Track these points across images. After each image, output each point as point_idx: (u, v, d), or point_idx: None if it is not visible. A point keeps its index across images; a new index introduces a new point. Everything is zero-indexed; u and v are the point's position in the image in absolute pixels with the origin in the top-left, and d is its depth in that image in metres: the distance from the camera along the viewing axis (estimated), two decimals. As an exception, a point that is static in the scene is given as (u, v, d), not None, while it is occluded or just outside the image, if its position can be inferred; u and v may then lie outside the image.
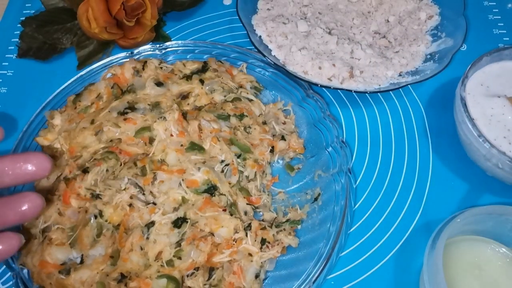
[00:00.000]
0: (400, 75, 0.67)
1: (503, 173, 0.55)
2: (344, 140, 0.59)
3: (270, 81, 0.67)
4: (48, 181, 0.55)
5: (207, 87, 0.63)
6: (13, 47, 0.76)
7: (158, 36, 0.75)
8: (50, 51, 0.73)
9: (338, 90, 0.68)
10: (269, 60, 0.66)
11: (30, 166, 0.38)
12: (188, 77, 0.64)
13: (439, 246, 0.44)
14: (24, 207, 0.39)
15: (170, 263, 0.49)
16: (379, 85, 0.65)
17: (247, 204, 0.54)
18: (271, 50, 0.69)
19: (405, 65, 0.68)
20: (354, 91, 0.63)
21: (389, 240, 0.56)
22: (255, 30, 0.72)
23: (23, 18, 0.72)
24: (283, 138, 0.60)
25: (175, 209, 0.52)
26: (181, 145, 0.55)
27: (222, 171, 0.55)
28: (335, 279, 0.53)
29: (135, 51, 0.68)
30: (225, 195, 0.53)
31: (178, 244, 0.50)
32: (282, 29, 0.71)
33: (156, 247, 0.49)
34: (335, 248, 0.50)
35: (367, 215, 0.58)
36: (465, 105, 0.56)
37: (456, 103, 0.59)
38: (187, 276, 0.48)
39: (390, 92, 0.70)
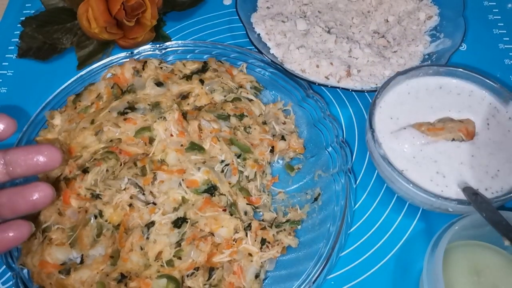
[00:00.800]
0: (397, 74, 0.67)
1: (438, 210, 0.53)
2: (344, 140, 0.59)
3: (270, 81, 0.67)
4: (48, 181, 0.55)
5: (207, 87, 0.63)
6: (13, 47, 0.76)
7: (158, 36, 0.75)
8: (50, 51, 0.73)
9: (338, 90, 0.68)
10: (266, 57, 0.66)
11: (42, 157, 0.39)
12: (188, 77, 0.64)
13: (438, 255, 0.44)
14: (35, 197, 0.39)
15: (170, 263, 0.49)
16: (376, 84, 0.65)
17: (247, 204, 0.54)
18: (269, 48, 0.70)
19: (403, 65, 0.68)
20: (352, 90, 0.63)
21: (389, 240, 0.56)
22: (254, 28, 0.72)
23: (23, 18, 0.72)
24: (283, 138, 0.60)
25: (175, 209, 0.52)
26: (181, 145, 0.55)
27: (222, 171, 0.55)
28: (335, 279, 0.53)
29: (135, 51, 0.68)
30: (225, 195, 0.53)
31: (178, 244, 0.50)
32: (281, 28, 0.71)
33: (156, 247, 0.49)
34: (335, 248, 0.50)
35: (367, 215, 0.58)
36: (389, 163, 0.52)
37: (376, 161, 0.55)
38: (187, 276, 0.48)
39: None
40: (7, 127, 0.39)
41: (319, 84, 0.64)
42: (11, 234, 0.39)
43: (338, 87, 0.64)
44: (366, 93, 0.69)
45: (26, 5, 0.84)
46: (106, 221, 0.51)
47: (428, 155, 0.54)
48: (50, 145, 0.40)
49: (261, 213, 0.56)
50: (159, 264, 0.49)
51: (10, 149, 0.40)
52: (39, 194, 0.39)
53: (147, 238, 0.49)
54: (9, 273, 0.53)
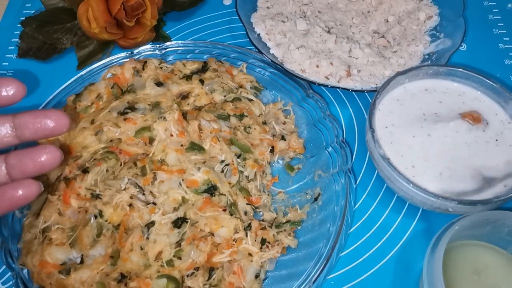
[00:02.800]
0: (397, 75, 0.67)
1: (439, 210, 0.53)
2: (344, 140, 0.59)
3: (270, 81, 0.67)
4: (48, 181, 0.55)
5: (207, 87, 0.63)
6: (13, 47, 0.76)
7: (158, 36, 0.75)
8: (50, 51, 0.73)
9: (338, 90, 0.68)
10: (266, 57, 0.66)
11: (50, 122, 0.40)
12: (188, 77, 0.64)
13: (438, 255, 0.44)
14: (43, 158, 0.40)
15: (170, 263, 0.49)
16: (376, 84, 0.65)
17: (247, 204, 0.54)
18: (269, 48, 0.70)
19: (403, 65, 0.68)
20: (352, 90, 0.63)
21: (389, 240, 0.56)
22: (254, 28, 0.72)
23: (23, 18, 0.72)
24: (283, 138, 0.60)
25: (175, 209, 0.52)
26: (181, 145, 0.55)
27: (222, 171, 0.55)
28: (335, 279, 0.53)
29: (135, 51, 0.68)
30: (225, 195, 0.53)
31: (178, 244, 0.50)
32: (281, 28, 0.71)
33: (156, 247, 0.49)
34: (335, 248, 0.50)
35: (367, 215, 0.58)
36: (389, 163, 0.52)
37: (376, 161, 0.55)
38: (187, 276, 0.48)
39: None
40: (17, 91, 0.40)
41: (319, 84, 0.64)
42: (20, 192, 0.40)
43: (338, 87, 0.64)
44: (366, 93, 0.69)
45: (26, 5, 0.84)
46: (106, 221, 0.51)
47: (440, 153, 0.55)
48: (58, 110, 0.41)
49: (261, 213, 0.56)
50: (159, 264, 0.49)
51: (19, 113, 0.41)
52: (47, 155, 0.40)
53: (147, 238, 0.49)
54: (9, 273, 0.53)
